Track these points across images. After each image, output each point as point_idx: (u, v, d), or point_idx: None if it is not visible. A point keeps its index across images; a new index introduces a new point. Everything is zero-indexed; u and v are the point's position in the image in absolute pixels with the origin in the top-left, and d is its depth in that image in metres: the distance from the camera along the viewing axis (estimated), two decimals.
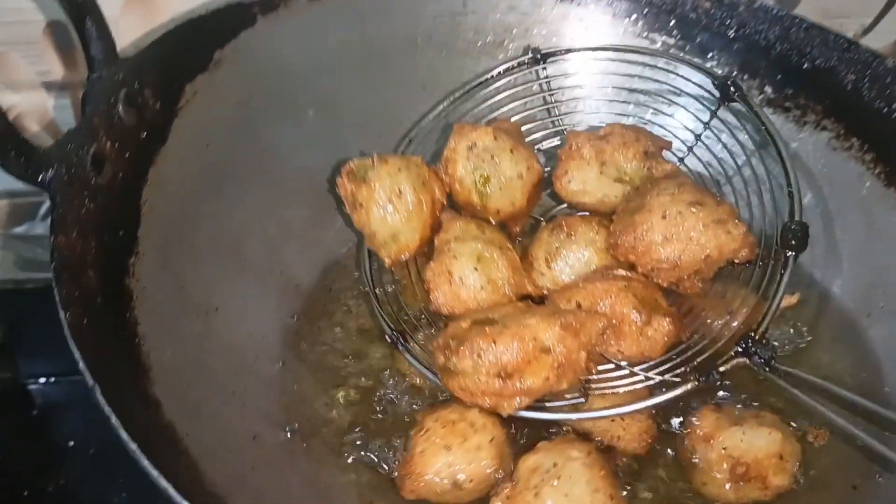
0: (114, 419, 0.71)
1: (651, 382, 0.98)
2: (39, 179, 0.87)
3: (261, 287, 1.15)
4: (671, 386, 0.96)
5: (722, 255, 1.00)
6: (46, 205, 1.12)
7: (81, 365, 0.74)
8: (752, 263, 1.02)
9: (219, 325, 1.06)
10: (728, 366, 0.95)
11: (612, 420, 1.01)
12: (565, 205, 1.21)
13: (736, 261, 1.01)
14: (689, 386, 0.95)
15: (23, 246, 1.43)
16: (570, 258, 1.08)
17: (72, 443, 1.43)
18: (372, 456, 1.03)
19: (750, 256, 1.00)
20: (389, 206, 1.05)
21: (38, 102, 1.32)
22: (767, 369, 0.94)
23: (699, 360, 0.97)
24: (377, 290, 1.10)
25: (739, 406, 1.04)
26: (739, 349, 0.95)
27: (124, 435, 0.70)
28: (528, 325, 0.92)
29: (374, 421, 1.06)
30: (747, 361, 0.95)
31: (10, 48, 1.25)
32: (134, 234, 0.98)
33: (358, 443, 1.04)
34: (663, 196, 1.01)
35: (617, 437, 1.01)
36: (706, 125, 1.22)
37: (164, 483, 0.68)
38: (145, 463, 0.69)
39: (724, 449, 0.97)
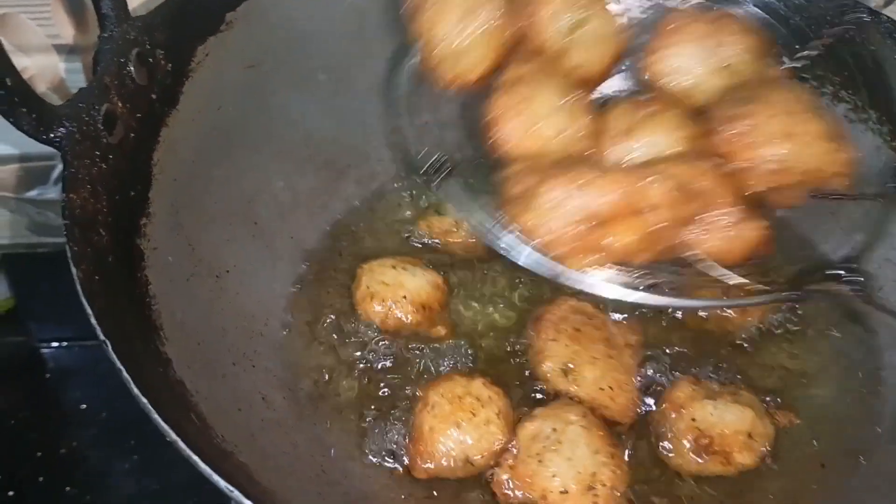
0: (125, 374, 0.72)
1: (743, 283, 0.89)
2: (51, 137, 0.87)
3: (270, 251, 1.15)
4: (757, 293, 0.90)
5: (822, 174, 0.92)
6: (58, 169, 1.12)
7: (93, 321, 0.75)
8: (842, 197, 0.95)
9: (229, 287, 1.07)
10: (821, 286, 0.90)
11: (601, 389, 1.00)
12: None
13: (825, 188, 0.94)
14: (781, 294, 0.89)
15: (34, 210, 1.43)
16: (655, 136, 0.93)
17: (83, 406, 1.45)
18: (380, 420, 1.03)
19: (842, 184, 0.92)
20: (467, 17, 0.93)
21: (50, 65, 1.32)
22: (860, 296, 0.89)
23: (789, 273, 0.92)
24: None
25: (722, 382, 1.03)
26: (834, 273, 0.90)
27: (135, 390, 0.71)
28: (635, 175, 0.83)
29: (383, 385, 1.06)
30: (842, 286, 0.89)
31: (21, 10, 1.25)
32: (145, 196, 0.98)
33: (365, 407, 1.04)
34: (785, 93, 0.92)
35: (605, 407, 1.01)
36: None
37: (173, 436, 0.68)
38: (155, 417, 0.70)
39: (692, 420, 0.96)
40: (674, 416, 0.98)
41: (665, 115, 0.94)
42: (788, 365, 1.09)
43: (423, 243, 1.23)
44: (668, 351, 1.08)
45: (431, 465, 0.96)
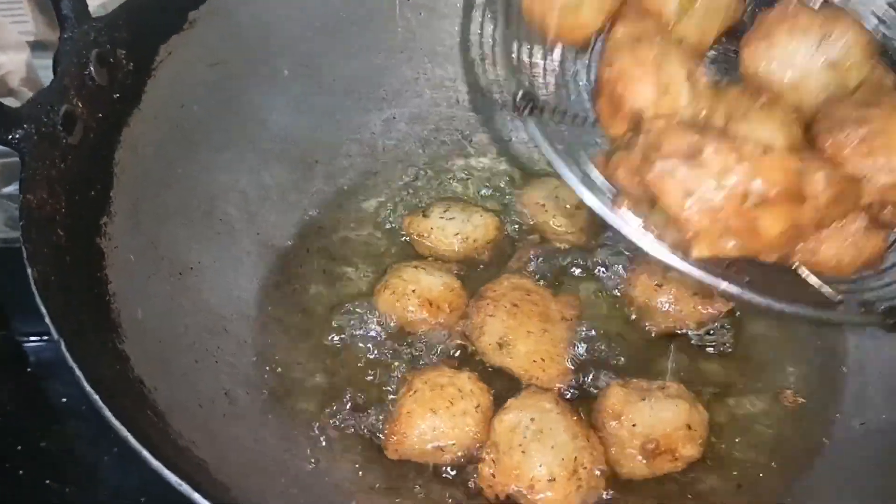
0: (77, 371, 0.73)
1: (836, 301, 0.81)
2: (9, 138, 0.88)
3: (237, 248, 1.16)
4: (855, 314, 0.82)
5: None
6: None
7: (47, 319, 0.76)
8: None
9: (193, 284, 1.08)
10: None
11: (534, 361, 1.04)
12: None
13: None
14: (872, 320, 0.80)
15: (13, 206, 1.44)
16: (770, 128, 0.81)
17: (65, 400, 1.45)
18: (348, 415, 1.04)
19: None
20: None
21: (23, 62, 1.32)
22: None
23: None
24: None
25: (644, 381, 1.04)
26: None
27: (87, 386, 0.72)
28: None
29: (350, 380, 1.07)
30: None
31: None
32: (106, 195, 0.99)
33: (334, 402, 1.05)
34: None
35: (536, 377, 1.03)
36: None
37: (124, 431, 0.70)
38: (107, 413, 0.71)
39: (633, 425, 0.97)
40: (614, 424, 0.99)
41: (777, 109, 0.83)
42: (745, 352, 1.11)
43: (398, 241, 1.24)
44: (602, 331, 1.11)
45: (404, 447, 0.97)
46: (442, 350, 1.09)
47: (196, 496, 0.68)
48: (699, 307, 1.10)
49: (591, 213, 1.16)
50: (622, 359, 1.08)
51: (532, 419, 0.95)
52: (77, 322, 0.84)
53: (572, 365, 1.06)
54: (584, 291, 1.17)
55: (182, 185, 1.12)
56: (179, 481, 0.69)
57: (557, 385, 1.04)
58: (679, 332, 1.11)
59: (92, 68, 1.00)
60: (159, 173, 1.09)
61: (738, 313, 1.13)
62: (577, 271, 1.19)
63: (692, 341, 1.11)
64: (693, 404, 0.99)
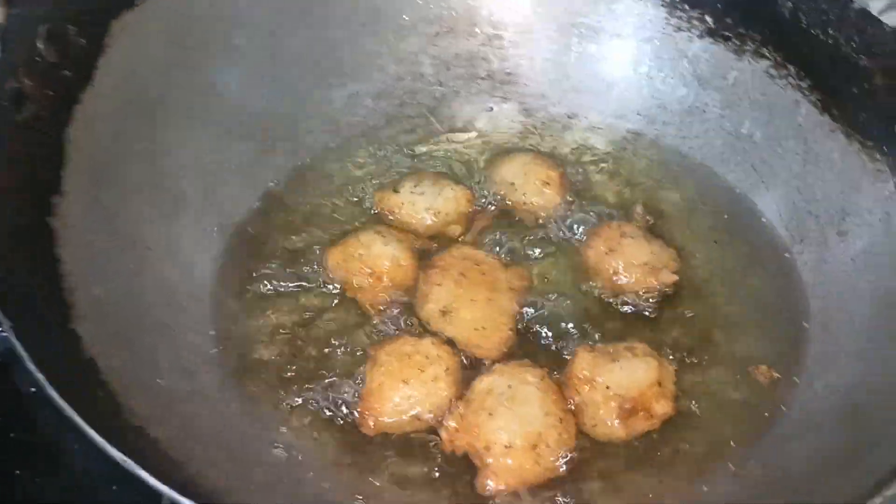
0: (21, 350, 0.72)
1: None
2: None
3: (197, 225, 1.15)
4: None
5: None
6: None
7: None
8: None
9: (152, 262, 1.06)
10: None
11: (476, 329, 1.04)
12: None
13: None
14: None
15: None
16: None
17: (34, 389, 1.43)
18: (311, 390, 1.03)
19: None
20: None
21: None
22: None
23: None
24: None
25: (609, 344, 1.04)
26: None
27: (31, 366, 0.71)
28: None
29: (312, 356, 1.06)
30: None
31: None
32: (58, 173, 0.98)
33: (297, 377, 1.04)
34: None
35: (476, 345, 1.03)
36: None
37: (68, 410, 0.69)
38: (51, 392, 0.70)
39: (607, 388, 0.97)
40: (587, 389, 0.99)
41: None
42: (708, 315, 1.11)
43: (366, 215, 1.22)
44: (551, 298, 1.11)
45: (380, 420, 0.97)
46: (402, 322, 1.09)
47: (142, 472, 0.68)
48: (647, 276, 1.11)
49: (562, 188, 1.20)
50: (571, 325, 1.08)
51: (509, 386, 0.96)
52: (28, 303, 0.83)
53: (516, 334, 1.06)
54: (542, 262, 1.16)
55: (140, 162, 1.10)
56: (124, 458, 0.68)
57: (500, 352, 1.03)
58: (624, 297, 1.11)
59: (41, 45, 0.98)
60: (116, 151, 1.07)
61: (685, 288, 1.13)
62: (538, 243, 1.18)
63: (645, 312, 1.11)
64: (661, 362, 1.00)
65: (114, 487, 1.19)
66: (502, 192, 1.24)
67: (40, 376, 0.71)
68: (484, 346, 1.04)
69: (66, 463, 1.33)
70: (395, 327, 1.09)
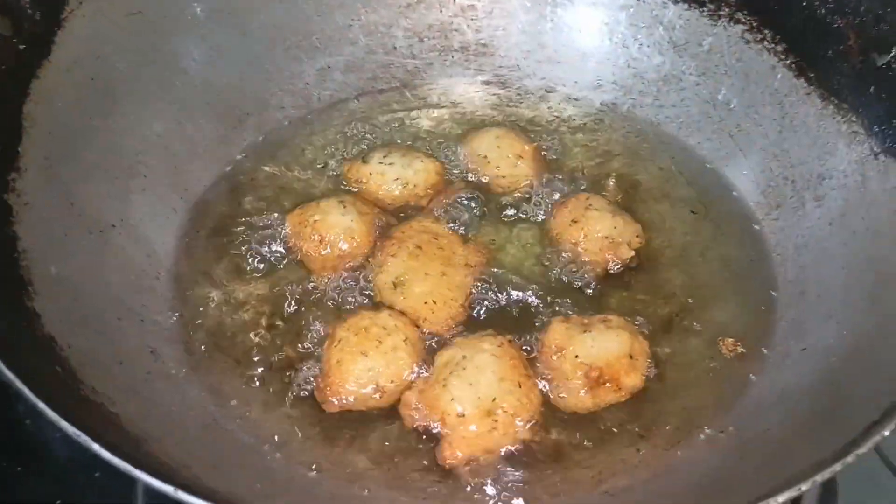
0: None
1: None
2: None
3: (162, 204, 1.12)
4: None
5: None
6: None
7: None
8: None
9: (116, 241, 1.04)
10: None
11: (425, 303, 1.02)
12: None
13: None
14: None
15: None
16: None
17: None
18: (277, 368, 1.01)
19: None
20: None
21: None
22: None
23: None
24: None
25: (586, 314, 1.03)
26: None
27: None
28: None
29: (280, 335, 1.04)
30: None
31: None
32: (14, 149, 0.95)
33: (263, 356, 1.02)
34: None
35: (424, 319, 1.02)
36: None
37: (19, 384, 0.67)
38: (2, 367, 0.68)
39: (576, 357, 0.96)
40: (555, 358, 0.97)
41: None
42: (683, 285, 1.09)
43: (337, 192, 1.19)
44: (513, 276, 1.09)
45: (342, 398, 0.95)
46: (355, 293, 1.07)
47: (95, 447, 0.66)
48: (605, 250, 1.09)
49: (535, 162, 1.18)
50: (534, 296, 1.06)
51: (464, 356, 0.94)
52: None
53: (467, 310, 1.04)
54: (508, 234, 1.14)
55: (102, 139, 1.08)
56: (77, 432, 0.66)
57: (448, 327, 1.02)
58: (584, 269, 1.09)
59: None
60: (76, 127, 1.05)
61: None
62: (506, 215, 1.16)
63: (593, 285, 1.09)
64: (634, 335, 0.98)
65: (96, 474, 1.17)
66: (475, 166, 1.21)
67: None
68: (431, 321, 1.02)
69: (46, 451, 1.31)
70: (350, 299, 1.06)
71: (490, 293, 1.06)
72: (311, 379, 0.99)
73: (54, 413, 0.67)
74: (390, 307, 1.02)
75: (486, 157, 1.21)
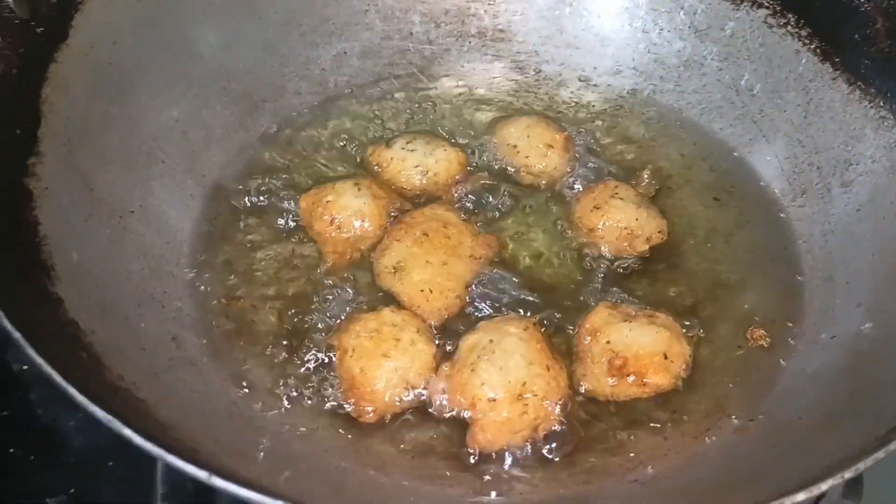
0: None
1: None
2: None
3: (180, 190, 1.11)
4: None
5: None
6: None
7: None
8: None
9: (135, 228, 1.03)
10: None
11: (421, 290, 1.01)
12: None
13: None
14: None
15: None
16: None
17: (25, 367, 1.41)
18: (297, 358, 1.00)
19: None
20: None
21: None
22: None
23: None
24: None
25: (639, 307, 1.01)
26: None
27: (7, 324, 0.68)
28: None
29: (301, 320, 1.03)
30: None
31: None
32: (33, 134, 0.94)
33: (285, 343, 1.01)
34: None
35: (418, 306, 1.01)
36: None
37: (47, 368, 0.66)
38: (30, 351, 0.67)
39: (607, 342, 0.95)
40: (588, 339, 0.97)
41: None
42: (708, 272, 1.08)
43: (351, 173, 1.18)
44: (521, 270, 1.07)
45: (376, 404, 0.93)
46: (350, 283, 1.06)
47: (127, 431, 0.65)
48: (622, 240, 1.08)
49: (566, 152, 1.16)
50: (531, 297, 1.04)
51: (491, 340, 0.93)
52: (3, 263, 0.79)
53: (464, 302, 1.03)
54: (526, 226, 1.12)
55: (120, 125, 1.07)
56: (108, 416, 0.65)
57: (440, 317, 1.01)
58: (601, 256, 1.09)
59: (10, 1, 0.94)
60: (94, 113, 1.04)
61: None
62: (531, 203, 1.15)
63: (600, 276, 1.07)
64: (676, 336, 0.96)
65: (109, 463, 1.16)
66: (503, 155, 1.20)
67: (17, 336, 0.67)
68: (424, 309, 1.01)
69: (60, 440, 1.30)
70: (347, 286, 1.05)
71: (491, 286, 1.04)
72: (331, 369, 0.97)
73: (84, 398, 0.66)
74: (387, 292, 1.02)
75: (515, 146, 1.19)
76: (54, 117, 0.97)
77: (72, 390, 0.66)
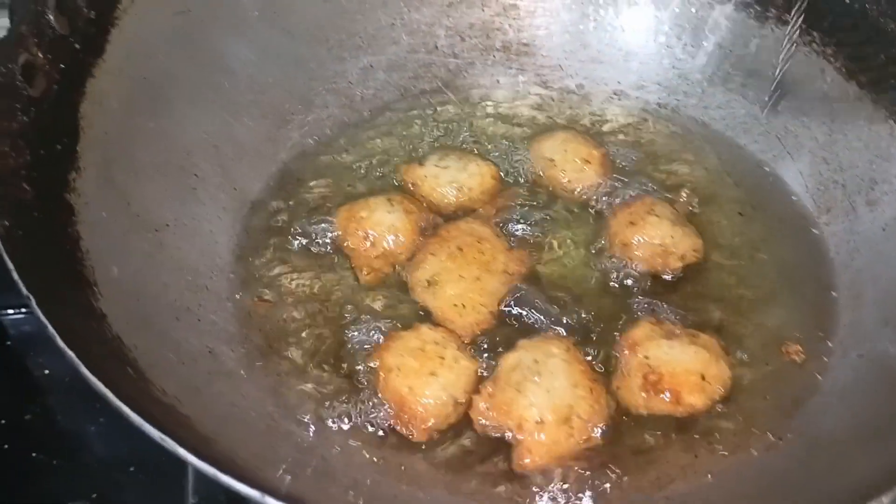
0: (50, 328, 0.70)
1: None
2: None
3: (213, 204, 1.12)
4: None
5: None
6: None
7: (15, 275, 0.72)
8: None
9: (170, 241, 1.04)
10: None
11: (454, 305, 1.03)
12: None
13: None
14: None
15: None
16: None
17: (47, 372, 1.42)
18: (333, 373, 1.01)
19: None
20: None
21: None
22: None
23: None
24: None
25: (683, 325, 1.02)
26: None
27: (60, 343, 0.69)
28: None
29: (335, 335, 1.04)
30: None
31: None
32: (73, 149, 0.95)
33: (317, 357, 1.02)
34: None
35: (451, 321, 1.02)
36: None
37: (101, 388, 0.67)
38: (84, 370, 0.68)
39: (645, 357, 0.96)
40: (627, 353, 0.97)
41: None
42: (735, 289, 1.09)
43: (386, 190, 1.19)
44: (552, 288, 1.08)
45: (429, 424, 0.93)
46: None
47: (181, 451, 0.66)
48: (655, 256, 1.08)
49: (603, 167, 1.17)
50: (564, 314, 1.04)
51: (535, 360, 0.94)
52: (48, 279, 0.80)
53: (496, 317, 1.04)
54: (560, 241, 1.13)
55: (154, 139, 1.08)
56: (163, 436, 0.66)
57: (471, 334, 1.02)
58: (630, 272, 1.09)
59: (51, 16, 0.95)
60: (129, 127, 1.05)
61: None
62: (563, 217, 1.16)
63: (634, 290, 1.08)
64: (716, 358, 0.96)
65: (131, 469, 1.17)
66: (539, 170, 1.21)
67: (72, 355, 0.68)
68: (457, 324, 1.02)
69: (82, 445, 1.32)
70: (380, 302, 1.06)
71: (523, 302, 1.05)
72: (368, 381, 0.98)
73: (139, 418, 0.67)
74: (422, 306, 1.03)
75: (552, 159, 1.20)
76: (92, 132, 0.98)
77: (126, 409, 0.67)
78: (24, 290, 0.73)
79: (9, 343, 1.44)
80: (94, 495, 1.18)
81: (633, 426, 0.96)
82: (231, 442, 0.82)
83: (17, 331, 1.44)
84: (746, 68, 1.25)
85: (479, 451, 0.93)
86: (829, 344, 1.02)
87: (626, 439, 0.95)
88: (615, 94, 1.33)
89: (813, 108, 1.18)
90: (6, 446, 1.28)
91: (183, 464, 0.71)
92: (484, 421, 0.93)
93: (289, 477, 0.83)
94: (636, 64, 1.32)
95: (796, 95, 1.20)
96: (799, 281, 1.10)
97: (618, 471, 0.92)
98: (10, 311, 1.44)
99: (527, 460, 0.90)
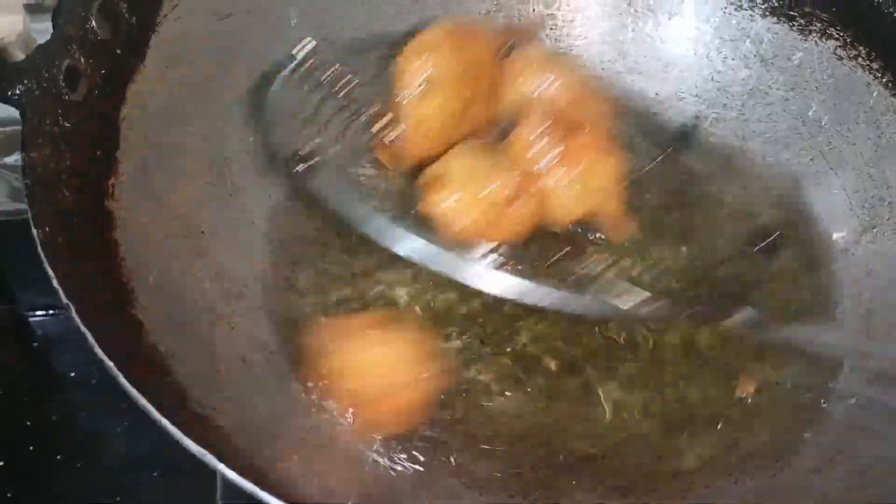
0: (90, 338, 0.69)
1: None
2: (9, 95, 0.84)
3: (250, 210, 1.12)
4: None
5: None
6: None
7: (55, 283, 0.72)
8: None
9: (206, 248, 1.04)
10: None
11: None
12: None
13: None
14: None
15: (13, 177, 1.40)
16: None
17: (73, 373, 1.43)
18: None
19: None
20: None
21: (20, 25, 1.27)
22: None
23: None
24: None
25: None
26: None
27: (100, 352, 0.69)
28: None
29: None
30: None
31: None
32: (113, 154, 0.95)
33: None
34: None
35: None
36: None
37: (143, 401, 0.66)
38: (123, 381, 0.68)
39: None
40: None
41: None
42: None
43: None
44: None
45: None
46: None
47: (221, 466, 0.65)
48: None
49: None
50: None
51: None
52: (87, 286, 0.80)
53: None
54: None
55: (193, 145, 1.08)
56: (203, 451, 0.65)
57: None
58: None
59: (94, 21, 0.96)
60: (168, 133, 1.05)
61: None
62: None
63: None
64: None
65: (154, 473, 1.18)
66: None
67: (111, 364, 0.68)
68: None
69: (107, 448, 1.32)
70: None
71: None
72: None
73: (178, 431, 0.66)
74: None
75: None
76: (133, 137, 0.98)
77: (165, 422, 0.67)
78: (64, 298, 0.73)
79: (35, 344, 1.45)
80: (119, 498, 1.18)
81: (667, 449, 0.95)
82: (266, 455, 0.82)
83: (44, 332, 1.45)
84: (788, 82, 1.23)
85: None
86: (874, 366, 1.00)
87: (660, 464, 0.94)
88: (653, 105, 1.31)
89: (858, 124, 1.16)
90: (31, 448, 1.28)
91: (208, 466, 0.70)
92: None
93: (328, 486, 0.83)
94: (674, 75, 1.31)
95: (841, 110, 1.18)
96: (838, 302, 1.09)
97: (653, 498, 0.90)
98: (38, 312, 1.45)
99: None
